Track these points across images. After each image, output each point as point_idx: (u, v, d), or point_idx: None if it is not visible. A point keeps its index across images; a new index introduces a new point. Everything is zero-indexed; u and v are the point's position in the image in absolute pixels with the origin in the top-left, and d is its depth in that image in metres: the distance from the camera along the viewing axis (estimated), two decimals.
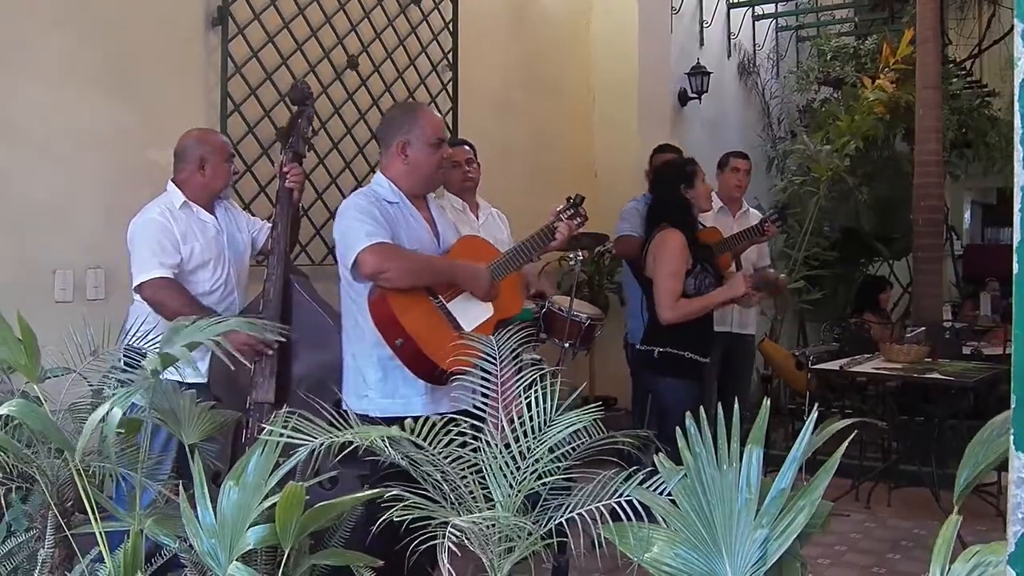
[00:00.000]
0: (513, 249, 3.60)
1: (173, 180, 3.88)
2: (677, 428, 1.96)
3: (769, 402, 1.92)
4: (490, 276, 3.44)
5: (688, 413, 1.96)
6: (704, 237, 4.78)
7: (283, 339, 3.43)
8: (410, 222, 3.43)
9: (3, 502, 2.66)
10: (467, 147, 4.76)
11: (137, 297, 3.75)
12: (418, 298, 3.33)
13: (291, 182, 3.87)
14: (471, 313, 3.40)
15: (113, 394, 2.33)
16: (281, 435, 2.09)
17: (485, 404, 2.43)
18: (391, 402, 3.32)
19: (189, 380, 3.45)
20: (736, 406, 1.89)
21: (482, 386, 2.52)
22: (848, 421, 1.98)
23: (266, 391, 3.60)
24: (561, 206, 3.75)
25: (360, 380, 3.38)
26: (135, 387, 2.38)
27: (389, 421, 3.07)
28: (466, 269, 3.42)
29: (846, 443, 1.91)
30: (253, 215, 5.01)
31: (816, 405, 1.98)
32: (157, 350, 2.41)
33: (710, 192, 4.61)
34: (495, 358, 2.56)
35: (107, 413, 2.19)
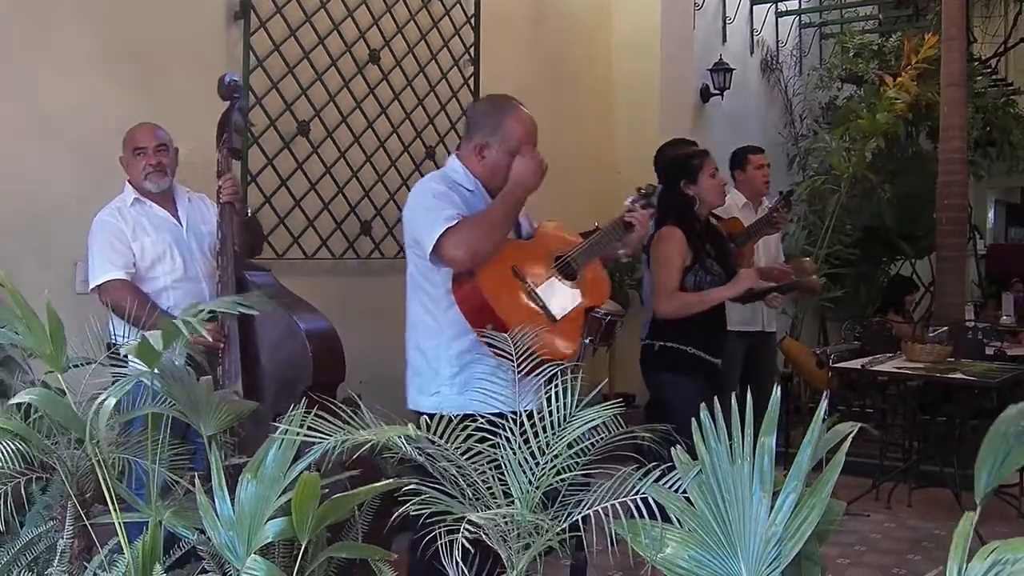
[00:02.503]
0: (595, 236, 3.43)
1: (128, 180, 3.92)
2: (685, 425, 1.94)
3: (780, 392, 1.89)
4: (536, 172, 3.24)
5: (703, 406, 1.93)
6: (726, 228, 4.71)
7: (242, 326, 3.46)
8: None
9: (23, 492, 2.67)
10: None
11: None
12: (510, 285, 3.13)
13: (224, 196, 3.78)
14: (560, 298, 3.21)
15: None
16: (297, 434, 2.08)
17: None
18: (467, 399, 3.04)
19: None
20: (749, 399, 1.87)
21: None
22: (852, 425, 1.96)
23: (233, 383, 3.55)
24: (632, 197, 3.60)
25: (432, 376, 3.19)
26: (132, 377, 2.38)
27: (463, 419, 2.82)
28: (512, 186, 3.18)
29: (848, 438, 1.89)
30: (274, 209, 5.06)
31: (827, 401, 1.94)
32: (131, 342, 2.39)
33: (721, 186, 4.44)
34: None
35: (102, 402, 2.20)
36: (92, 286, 3.77)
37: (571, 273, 3.31)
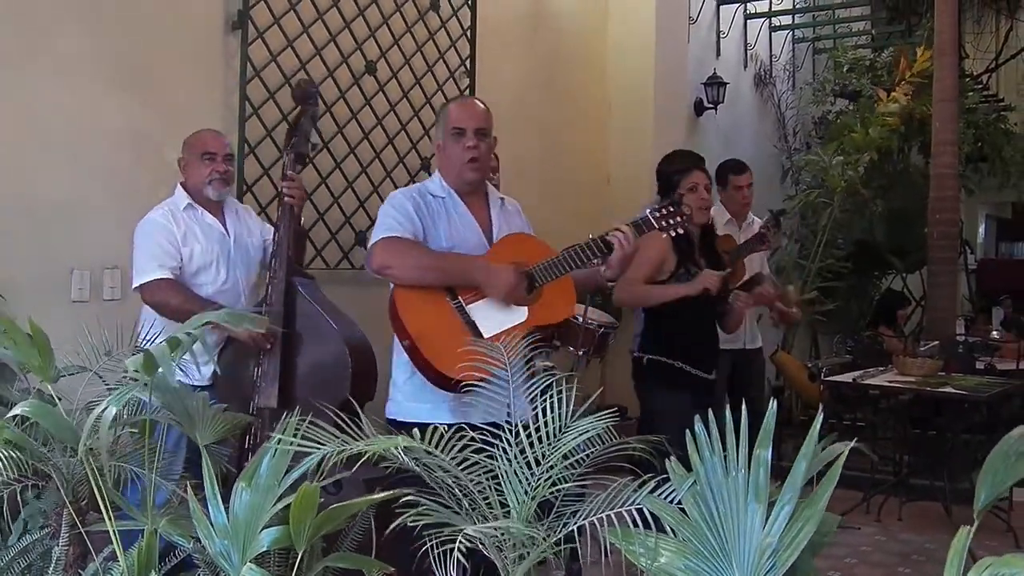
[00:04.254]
0: (566, 251, 3.22)
1: (181, 183, 3.92)
2: (674, 437, 1.96)
3: (776, 405, 1.91)
4: (514, 278, 3.08)
5: (697, 418, 1.95)
6: (720, 245, 4.72)
7: (285, 331, 3.47)
8: (453, 218, 3.22)
9: (19, 499, 2.68)
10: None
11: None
12: (433, 298, 3.09)
13: (288, 197, 3.77)
14: (497, 317, 3.10)
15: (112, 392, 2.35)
16: (291, 443, 2.08)
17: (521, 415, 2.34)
18: (417, 406, 3.11)
19: (194, 383, 3.47)
20: (744, 410, 1.89)
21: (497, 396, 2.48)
22: (846, 444, 1.98)
23: (268, 396, 3.56)
24: (631, 219, 3.38)
25: (393, 382, 3.25)
26: (132, 386, 2.37)
27: (414, 427, 2.82)
28: (483, 269, 3.09)
29: (845, 451, 1.91)
30: (269, 219, 5.07)
31: (822, 415, 1.96)
32: (142, 350, 2.39)
33: (700, 201, 4.35)
34: (506, 365, 2.52)
35: (102, 411, 2.20)
36: (136, 284, 3.73)
37: (531, 287, 3.17)
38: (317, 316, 3.65)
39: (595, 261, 3.28)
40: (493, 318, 3.09)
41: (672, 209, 3.39)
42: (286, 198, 3.77)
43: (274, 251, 3.76)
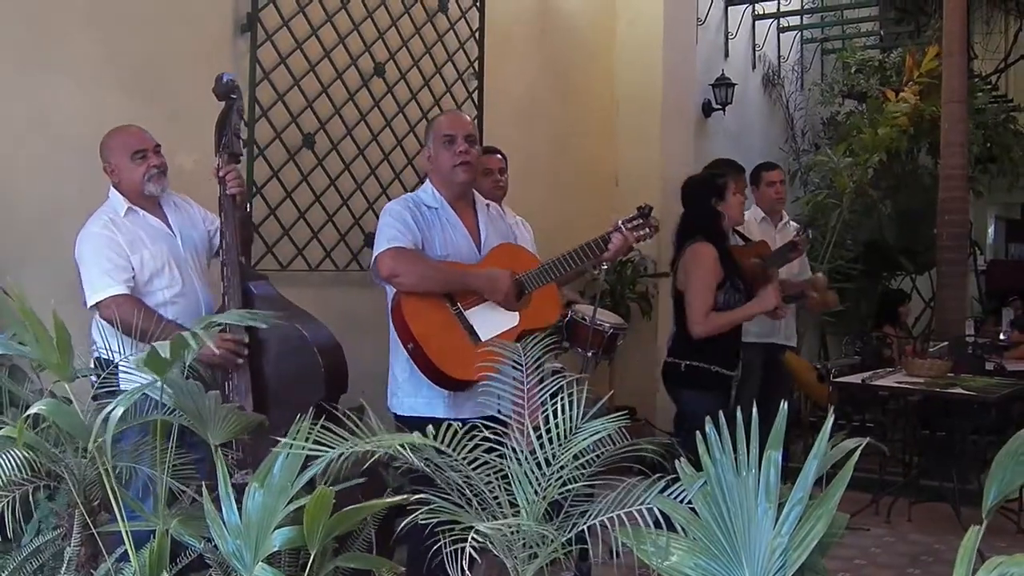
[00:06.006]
0: (553, 260, 3.55)
1: (114, 186, 3.70)
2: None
3: (787, 406, 1.92)
4: (511, 283, 3.42)
5: (708, 419, 1.97)
6: (757, 250, 4.82)
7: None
8: (447, 227, 3.50)
9: (30, 500, 2.69)
10: (499, 156, 4.79)
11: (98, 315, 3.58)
12: (434, 304, 3.39)
13: (232, 187, 3.60)
14: (493, 321, 3.41)
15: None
16: (303, 446, 2.10)
17: (509, 412, 2.44)
18: (415, 400, 3.44)
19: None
20: (755, 411, 1.90)
21: (506, 393, 2.52)
22: (859, 441, 1.99)
23: (244, 398, 3.41)
24: (629, 216, 3.70)
25: (393, 378, 3.54)
26: (141, 387, 2.39)
27: (414, 420, 3.24)
28: (482, 276, 3.43)
29: (858, 451, 1.92)
30: (280, 223, 5.08)
31: (833, 415, 1.97)
32: (141, 354, 2.38)
33: (742, 203, 4.60)
34: (519, 366, 2.56)
35: (110, 411, 2.21)
36: (91, 303, 3.52)
37: (520, 293, 3.49)
38: (280, 321, 3.35)
39: (587, 267, 3.72)
40: (489, 323, 3.41)
41: (642, 220, 3.69)
42: (230, 188, 3.60)
43: (224, 259, 3.59)
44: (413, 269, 3.36)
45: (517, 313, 3.45)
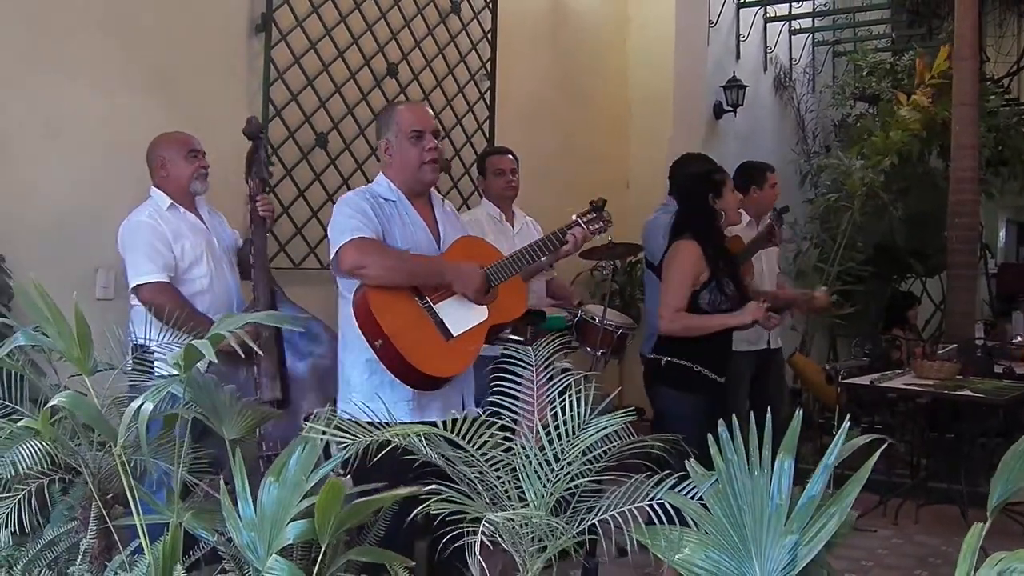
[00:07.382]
0: (517, 252, 3.48)
1: (154, 185, 3.93)
2: (690, 439, 1.99)
3: (801, 413, 1.95)
4: (483, 276, 3.30)
5: (720, 422, 1.99)
6: (730, 247, 4.71)
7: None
8: (406, 221, 3.35)
9: (46, 493, 2.72)
10: (511, 156, 4.82)
11: (134, 300, 3.79)
12: (402, 298, 3.23)
13: (264, 211, 4.02)
14: (462, 316, 3.28)
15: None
16: (323, 434, 2.13)
17: (516, 410, 2.44)
18: (374, 406, 3.03)
19: None
20: (768, 413, 1.92)
21: (517, 392, 2.51)
22: (872, 436, 2.01)
23: (272, 389, 3.68)
24: (583, 210, 3.72)
25: (346, 382, 3.34)
26: (168, 381, 2.42)
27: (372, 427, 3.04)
28: (454, 268, 3.28)
29: (877, 453, 1.94)
30: (291, 218, 5.12)
31: (848, 417, 2.00)
32: (178, 345, 2.44)
33: (738, 202, 4.48)
34: (531, 364, 2.55)
35: (140, 406, 2.24)
36: (132, 285, 3.75)
37: (487, 287, 3.37)
38: (305, 317, 3.76)
39: (543, 259, 3.62)
40: (458, 317, 3.28)
41: (595, 214, 3.71)
42: (262, 212, 4.01)
43: (253, 263, 3.93)
44: (379, 261, 3.18)
45: (486, 307, 3.34)
